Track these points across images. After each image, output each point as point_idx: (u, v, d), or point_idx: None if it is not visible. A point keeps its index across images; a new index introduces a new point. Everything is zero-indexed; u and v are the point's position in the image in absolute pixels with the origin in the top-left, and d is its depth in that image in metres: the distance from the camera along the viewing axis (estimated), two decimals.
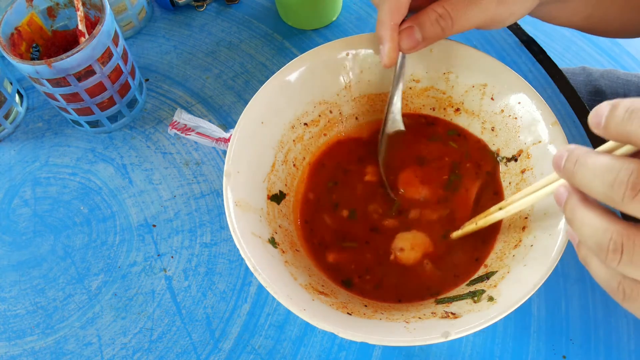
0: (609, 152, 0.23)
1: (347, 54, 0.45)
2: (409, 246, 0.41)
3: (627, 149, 0.23)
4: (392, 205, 0.43)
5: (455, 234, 0.40)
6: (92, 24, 0.52)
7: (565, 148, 0.24)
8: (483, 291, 0.36)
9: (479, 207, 0.42)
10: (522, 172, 0.41)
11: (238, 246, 0.35)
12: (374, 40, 0.44)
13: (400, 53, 0.40)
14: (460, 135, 0.45)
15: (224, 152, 0.52)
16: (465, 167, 0.44)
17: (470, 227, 0.39)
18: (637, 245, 0.21)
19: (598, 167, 0.22)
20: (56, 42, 0.54)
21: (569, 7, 0.41)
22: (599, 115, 0.22)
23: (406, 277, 0.40)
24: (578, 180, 0.23)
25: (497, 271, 0.37)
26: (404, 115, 0.44)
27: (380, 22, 0.37)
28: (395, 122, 0.44)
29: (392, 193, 0.43)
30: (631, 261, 0.21)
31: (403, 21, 0.38)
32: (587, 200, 0.23)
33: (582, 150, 0.23)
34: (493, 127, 0.43)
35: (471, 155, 0.44)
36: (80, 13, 0.48)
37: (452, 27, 0.36)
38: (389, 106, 0.43)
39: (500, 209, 0.36)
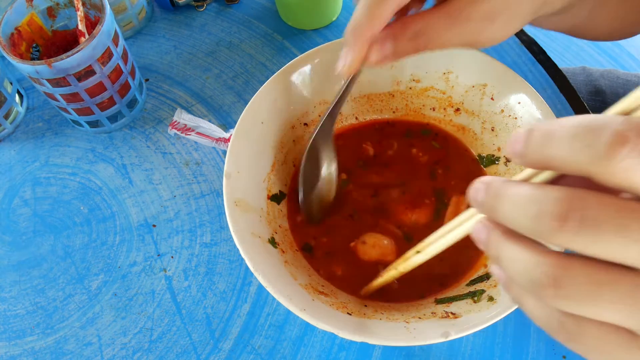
0: (528, 179, 0.21)
1: None
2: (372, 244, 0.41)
3: (546, 175, 0.21)
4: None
5: (366, 289, 0.39)
6: (92, 24, 0.52)
7: (481, 181, 0.21)
8: (483, 291, 0.36)
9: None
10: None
11: (238, 246, 0.35)
12: None
13: None
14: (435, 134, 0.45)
15: (224, 152, 0.52)
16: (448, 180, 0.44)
17: (390, 273, 0.37)
18: (574, 276, 0.18)
19: (519, 199, 0.19)
20: (56, 42, 0.54)
21: (552, 20, 0.40)
22: (517, 142, 0.20)
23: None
24: (500, 215, 0.20)
25: None
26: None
27: (353, 27, 0.32)
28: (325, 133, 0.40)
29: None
30: (569, 295, 0.19)
31: None
32: (511, 233, 0.21)
33: (499, 182, 0.21)
34: (493, 127, 0.43)
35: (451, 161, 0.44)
36: (80, 13, 0.48)
37: (426, 46, 0.32)
38: (326, 112, 0.40)
39: (418, 252, 0.33)
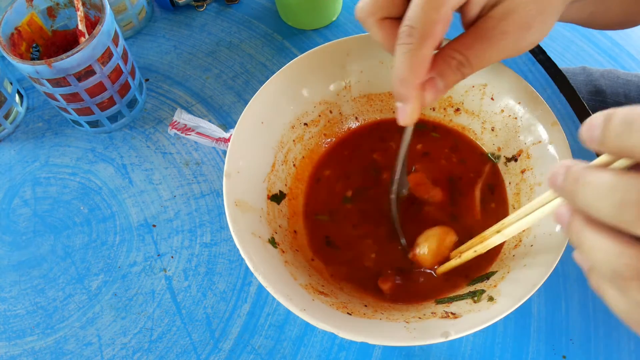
0: (606, 166, 0.21)
1: (347, 54, 0.45)
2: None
3: (624, 162, 0.21)
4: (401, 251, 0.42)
5: (442, 269, 0.39)
6: (92, 24, 0.52)
7: (561, 165, 0.21)
8: (483, 291, 0.36)
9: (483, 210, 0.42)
10: (522, 172, 0.41)
11: (238, 246, 0.35)
12: (374, 40, 0.45)
13: None
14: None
15: (224, 152, 0.52)
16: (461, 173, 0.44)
17: (467, 254, 0.37)
18: None
19: (602, 185, 0.19)
20: (56, 42, 0.54)
21: (574, 7, 0.40)
22: (593, 128, 0.20)
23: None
24: (581, 201, 0.20)
25: (497, 271, 0.37)
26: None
27: (401, 79, 0.31)
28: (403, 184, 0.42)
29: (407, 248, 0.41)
30: None
31: None
32: (593, 220, 0.20)
33: (580, 167, 0.20)
34: (493, 127, 0.43)
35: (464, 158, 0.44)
36: (80, 13, 0.48)
37: (471, 71, 0.33)
38: (396, 165, 0.40)
39: (498, 232, 0.34)
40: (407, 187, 0.43)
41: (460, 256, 0.38)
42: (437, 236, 0.40)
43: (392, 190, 0.41)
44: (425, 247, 0.39)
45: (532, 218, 0.30)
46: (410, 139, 0.38)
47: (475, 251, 0.36)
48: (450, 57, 0.32)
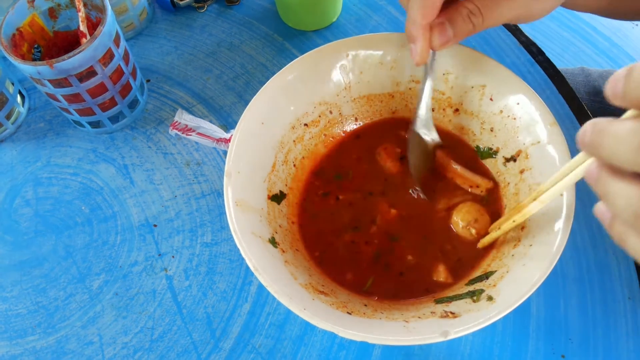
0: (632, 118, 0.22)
1: (347, 55, 0.45)
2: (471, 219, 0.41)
3: None
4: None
5: (482, 242, 0.40)
6: (94, 25, 0.52)
7: (589, 122, 0.23)
8: (482, 290, 0.36)
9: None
10: (521, 172, 0.41)
11: (238, 246, 0.36)
12: (374, 41, 0.45)
13: (431, 50, 0.39)
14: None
15: (225, 153, 0.53)
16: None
17: (507, 225, 0.38)
18: None
19: (622, 132, 0.20)
20: (57, 43, 0.54)
21: None
22: (616, 83, 0.21)
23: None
24: (603, 150, 0.22)
25: (496, 271, 0.37)
26: None
27: (411, 20, 0.36)
28: (423, 121, 0.43)
29: (423, 194, 0.42)
30: None
31: None
32: (617, 171, 0.22)
33: (605, 120, 0.22)
34: (492, 128, 0.44)
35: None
36: (81, 14, 0.49)
37: (482, 24, 0.35)
38: (418, 103, 0.42)
39: (534, 199, 0.35)
40: (437, 141, 0.43)
41: (499, 228, 0.39)
42: (477, 211, 0.41)
43: (412, 129, 0.42)
44: (469, 220, 0.41)
45: (566, 181, 0.31)
46: (431, 76, 0.41)
47: (514, 221, 0.37)
48: (462, 6, 0.35)
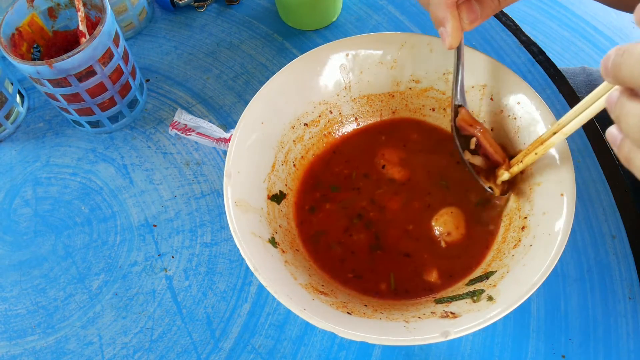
0: None
1: (347, 55, 0.45)
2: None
3: None
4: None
5: (514, 170, 0.40)
6: (93, 25, 0.52)
7: (613, 47, 0.24)
8: (482, 291, 0.36)
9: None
10: (521, 172, 0.41)
11: (238, 246, 0.36)
12: (374, 40, 0.45)
13: None
14: None
15: (225, 152, 0.53)
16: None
17: (529, 158, 0.38)
18: None
19: None
20: (57, 43, 0.54)
21: None
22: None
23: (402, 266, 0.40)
24: (623, 71, 0.23)
25: (496, 271, 0.37)
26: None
27: (436, 4, 0.36)
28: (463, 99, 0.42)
29: (484, 183, 0.41)
30: None
31: None
32: (635, 94, 0.24)
33: (628, 43, 0.23)
34: (492, 128, 0.44)
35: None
36: (81, 14, 0.49)
37: (506, 1, 0.36)
38: (454, 93, 0.42)
39: (554, 133, 0.35)
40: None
41: (522, 161, 0.39)
42: (453, 223, 0.42)
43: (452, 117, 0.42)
44: (442, 232, 0.41)
45: (589, 112, 0.32)
46: (462, 64, 0.40)
47: (536, 154, 0.37)
48: None
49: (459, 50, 0.40)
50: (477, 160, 0.41)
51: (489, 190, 0.41)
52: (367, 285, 0.40)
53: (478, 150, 0.42)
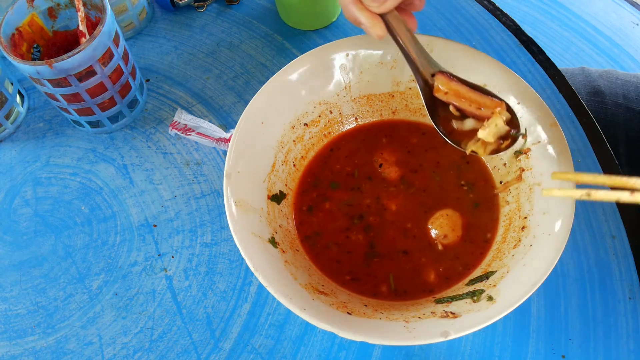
0: None
1: (347, 55, 0.45)
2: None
3: None
4: None
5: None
6: (93, 25, 0.52)
7: None
8: (482, 291, 0.36)
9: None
10: (522, 171, 0.41)
11: (238, 246, 0.36)
12: (374, 41, 0.45)
13: (381, 16, 0.38)
14: None
15: (225, 152, 0.53)
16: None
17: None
18: None
19: None
20: (57, 43, 0.54)
21: None
22: None
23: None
24: None
25: (496, 271, 0.37)
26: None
27: (344, 6, 0.38)
28: (428, 63, 0.40)
29: (465, 148, 0.39)
30: None
31: None
32: None
33: None
34: None
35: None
36: (81, 14, 0.49)
37: None
38: (411, 65, 0.39)
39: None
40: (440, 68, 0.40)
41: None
42: (449, 226, 0.42)
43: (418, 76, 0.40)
44: (438, 234, 0.42)
45: None
46: (410, 40, 0.39)
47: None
48: None
49: (393, 34, 0.39)
50: (469, 124, 0.39)
51: (473, 153, 0.38)
52: (365, 288, 0.40)
53: (466, 114, 0.39)
